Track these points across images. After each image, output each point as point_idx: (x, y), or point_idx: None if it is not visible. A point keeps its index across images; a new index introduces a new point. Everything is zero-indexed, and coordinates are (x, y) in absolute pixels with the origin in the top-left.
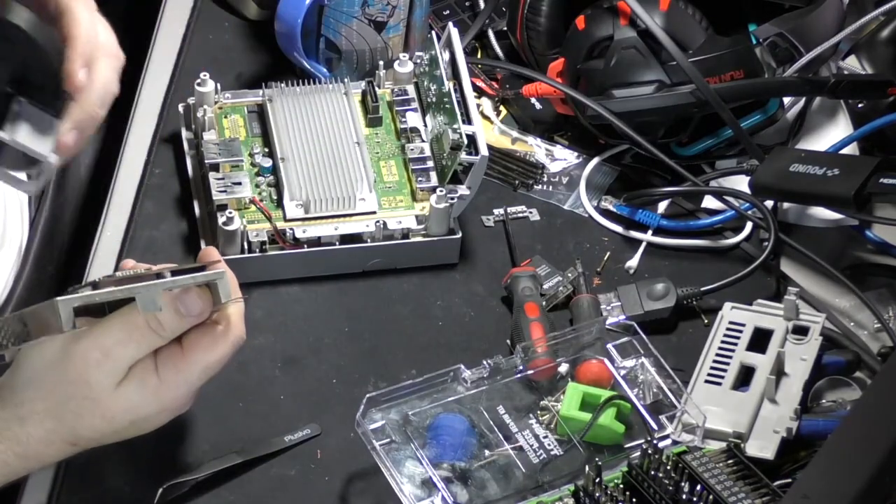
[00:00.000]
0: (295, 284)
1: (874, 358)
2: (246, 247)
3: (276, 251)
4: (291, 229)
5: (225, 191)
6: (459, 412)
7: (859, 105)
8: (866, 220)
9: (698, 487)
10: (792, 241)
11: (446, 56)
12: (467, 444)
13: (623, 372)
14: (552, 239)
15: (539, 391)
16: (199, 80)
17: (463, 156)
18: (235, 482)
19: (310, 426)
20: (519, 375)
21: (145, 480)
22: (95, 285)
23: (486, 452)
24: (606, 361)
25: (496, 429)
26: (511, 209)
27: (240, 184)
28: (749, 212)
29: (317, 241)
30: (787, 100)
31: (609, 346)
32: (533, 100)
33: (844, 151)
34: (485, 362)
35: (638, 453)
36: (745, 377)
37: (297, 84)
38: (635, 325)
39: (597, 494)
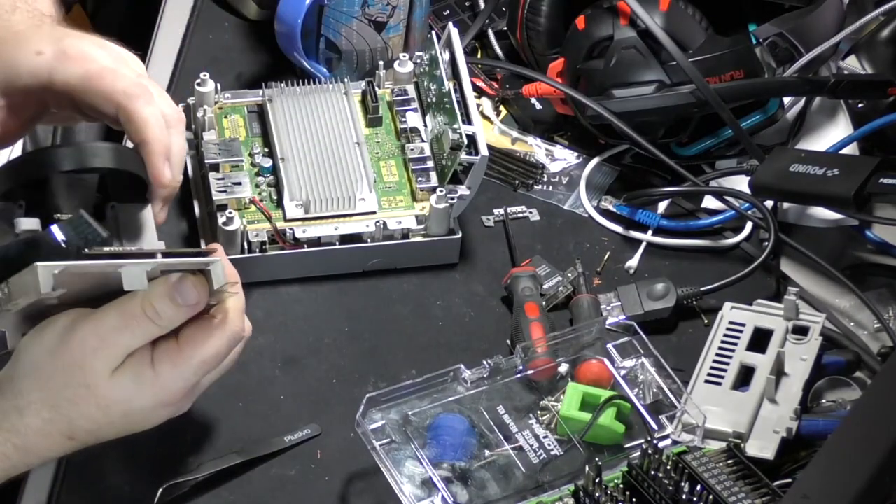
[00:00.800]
0: (295, 284)
1: (874, 358)
2: (246, 247)
3: (276, 251)
4: (291, 229)
5: (225, 191)
6: (459, 412)
7: (859, 105)
8: (866, 220)
9: (698, 487)
10: (792, 241)
11: (446, 56)
12: (467, 444)
13: (623, 372)
14: (552, 239)
15: (539, 391)
16: (199, 80)
17: (463, 156)
18: (235, 482)
19: (310, 426)
20: (519, 375)
21: (145, 480)
22: (87, 256)
23: (486, 452)
24: (606, 361)
25: (496, 429)
26: (511, 209)
27: (240, 184)
28: (749, 212)
29: (317, 241)
30: (787, 100)
31: (609, 346)
32: (533, 100)
33: (844, 151)
34: (485, 362)
35: (638, 453)
36: (745, 377)
37: (297, 84)
38: (635, 325)
39: (597, 494)
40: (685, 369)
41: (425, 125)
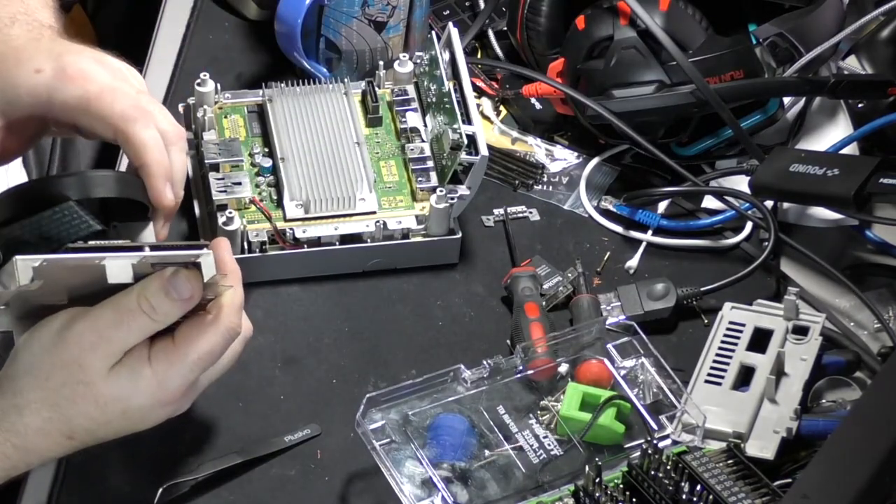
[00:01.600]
0: (295, 284)
1: (874, 358)
2: (246, 247)
3: (276, 251)
4: (291, 229)
5: (225, 191)
6: (459, 412)
7: (859, 105)
8: (866, 220)
9: (698, 487)
10: (792, 241)
11: (446, 56)
12: (467, 444)
13: (623, 372)
14: (552, 239)
15: (539, 391)
16: (199, 80)
17: (463, 156)
18: (235, 482)
19: (310, 426)
20: (519, 375)
21: (145, 480)
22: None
23: (486, 452)
24: (606, 361)
25: (496, 429)
26: (511, 209)
27: (240, 184)
28: (749, 212)
29: (317, 241)
30: (787, 100)
31: (609, 346)
32: (533, 100)
33: (844, 151)
34: (485, 362)
35: (638, 453)
36: (745, 377)
37: (297, 84)
38: (635, 325)
39: (597, 494)
40: (685, 369)
41: (425, 125)
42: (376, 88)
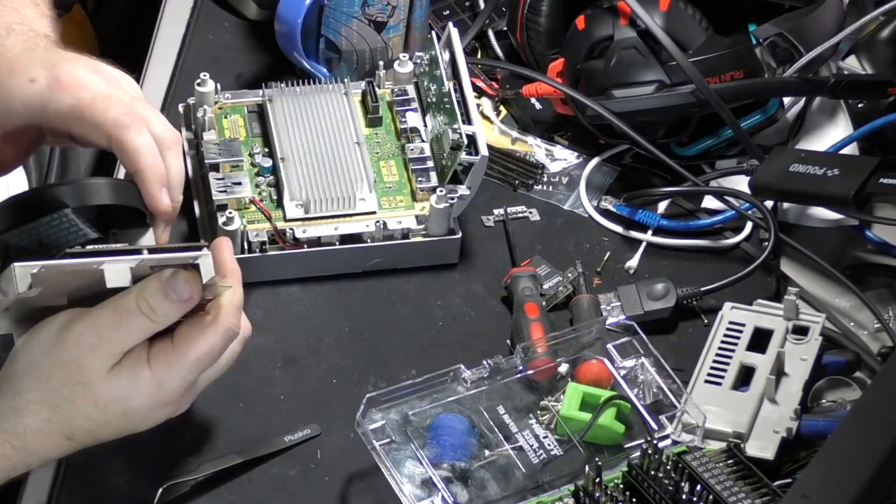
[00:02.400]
0: (295, 284)
1: (874, 358)
2: (246, 247)
3: (276, 251)
4: (291, 229)
5: (225, 191)
6: (459, 412)
7: (859, 105)
8: (866, 220)
9: (698, 487)
10: (792, 241)
11: (446, 56)
12: (467, 444)
13: (623, 372)
14: (552, 239)
15: (539, 391)
16: (199, 80)
17: (463, 156)
18: (235, 482)
19: (310, 426)
20: (519, 375)
21: (145, 480)
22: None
23: (486, 452)
24: (606, 361)
25: (496, 429)
26: (511, 209)
27: (240, 184)
28: (749, 212)
29: (317, 241)
30: (787, 100)
31: (609, 346)
32: (533, 100)
33: (844, 151)
34: (485, 362)
35: (638, 453)
36: (745, 377)
37: (297, 84)
38: (635, 325)
39: (597, 494)
40: (685, 369)
41: (425, 125)
42: (376, 88)
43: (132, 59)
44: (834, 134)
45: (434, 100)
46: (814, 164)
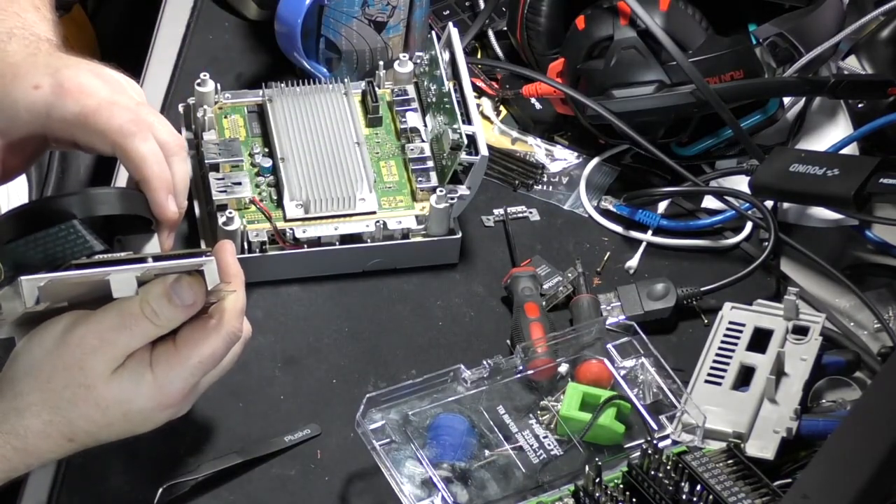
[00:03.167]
0: (295, 284)
1: (874, 358)
2: (246, 247)
3: (276, 251)
4: (291, 229)
5: (225, 191)
6: (459, 412)
7: (859, 105)
8: (866, 220)
9: (698, 487)
10: (792, 241)
11: (446, 56)
12: (467, 444)
13: (623, 372)
14: (552, 239)
15: (539, 391)
16: (199, 80)
17: (463, 156)
18: (235, 482)
19: (310, 426)
20: (519, 375)
21: (145, 480)
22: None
23: (486, 452)
24: (606, 361)
25: (496, 429)
26: (511, 209)
27: (240, 184)
28: (749, 212)
29: (317, 241)
30: (787, 100)
31: (609, 346)
32: (533, 100)
33: (844, 151)
34: (485, 362)
35: (638, 453)
36: (745, 377)
37: (297, 84)
38: (635, 325)
39: (597, 494)
40: (685, 369)
41: (425, 125)
42: (376, 88)
43: (132, 60)
44: (834, 134)
45: (434, 100)
46: (814, 164)
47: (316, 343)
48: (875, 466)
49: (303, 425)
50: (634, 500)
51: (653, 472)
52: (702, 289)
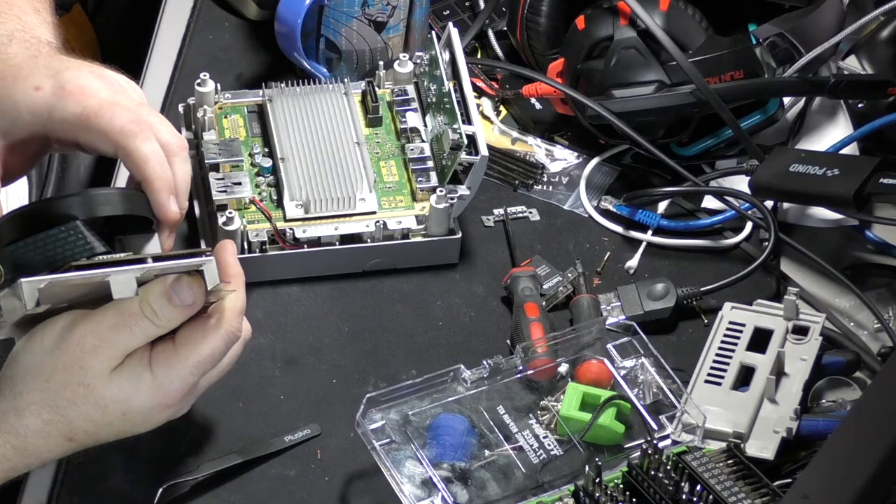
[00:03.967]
0: (295, 284)
1: (874, 358)
2: (246, 247)
3: (276, 251)
4: (291, 229)
5: (225, 191)
6: (459, 412)
7: (859, 105)
8: (866, 220)
9: (698, 487)
10: (792, 241)
11: (446, 56)
12: (467, 444)
13: (623, 372)
14: (552, 239)
15: (539, 391)
16: (199, 80)
17: (463, 156)
18: (235, 482)
19: (310, 426)
20: (519, 375)
21: (145, 480)
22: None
23: (486, 452)
24: (606, 361)
25: (496, 429)
26: (511, 209)
27: (240, 184)
28: (749, 212)
29: (317, 241)
30: (787, 100)
31: (609, 346)
32: (533, 100)
33: (844, 151)
34: (485, 362)
35: (638, 453)
36: (745, 377)
37: (297, 84)
38: (635, 325)
39: (597, 494)
40: (685, 369)
41: (425, 125)
42: (376, 88)
43: (132, 60)
44: (834, 134)
45: (434, 100)
46: (814, 164)
47: (316, 343)
48: (875, 466)
49: (303, 425)
50: (634, 500)
51: (653, 472)
52: (702, 289)
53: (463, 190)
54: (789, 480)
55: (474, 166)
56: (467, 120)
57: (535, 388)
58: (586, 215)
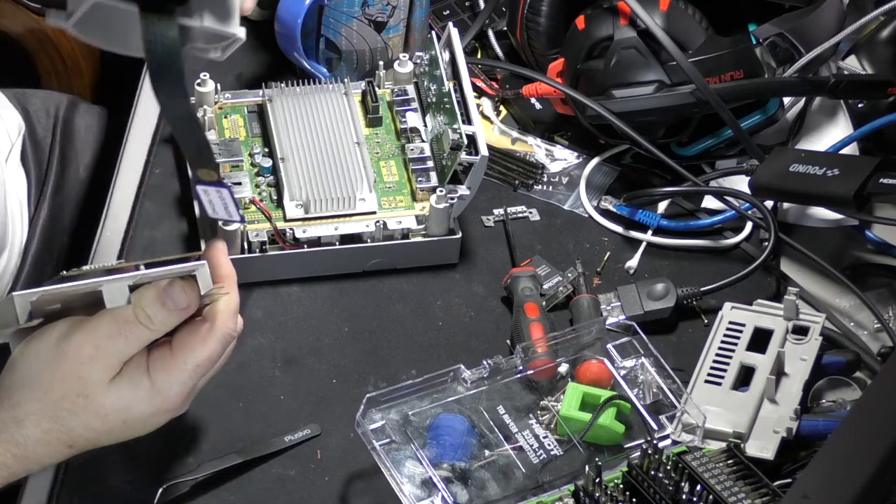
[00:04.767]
0: (295, 284)
1: (874, 358)
2: (246, 247)
3: (276, 251)
4: (291, 229)
5: None
6: (459, 412)
7: (859, 105)
8: (866, 220)
9: (698, 487)
10: (792, 241)
11: (446, 56)
12: (467, 444)
13: (623, 372)
14: (552, 239)
15: (539, 391)
16: (199, 80)
17: (463, 156)
18: (235, 482)
19: (310, 426)
20: (519, 375)
21: (145, 480)
22: (66, 278)
23: (486, 452)
24: (606, 361)
25: (496, 429)
26: (511, 209)
27: (240, 184)
28: (749, 212)
29: (317, 241)
30: (787, 100)
31: (609, 346)
32: (533, 100)
33: (844, 151)
34: (485, 362)
35: (638, 453)
36: (745, 377)
37: (297, 84)
38: (635, 325)
39: (597, 494)
40: (685, 369)
41: (425, 125)
42: (376, 88)
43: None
44: (834, 134)
45: (434, 100)
46: (814, 164)
47: (316, 343)
48: (875, 466)
49: (303, 425)
50: (634, 500)
51: (653, 472)
52: (702, 289)
53: (463, 190)
54: (789, 480)
55: (474, 166)
56: (467, 120)
57: (535, 388)
58: (586, 215)
